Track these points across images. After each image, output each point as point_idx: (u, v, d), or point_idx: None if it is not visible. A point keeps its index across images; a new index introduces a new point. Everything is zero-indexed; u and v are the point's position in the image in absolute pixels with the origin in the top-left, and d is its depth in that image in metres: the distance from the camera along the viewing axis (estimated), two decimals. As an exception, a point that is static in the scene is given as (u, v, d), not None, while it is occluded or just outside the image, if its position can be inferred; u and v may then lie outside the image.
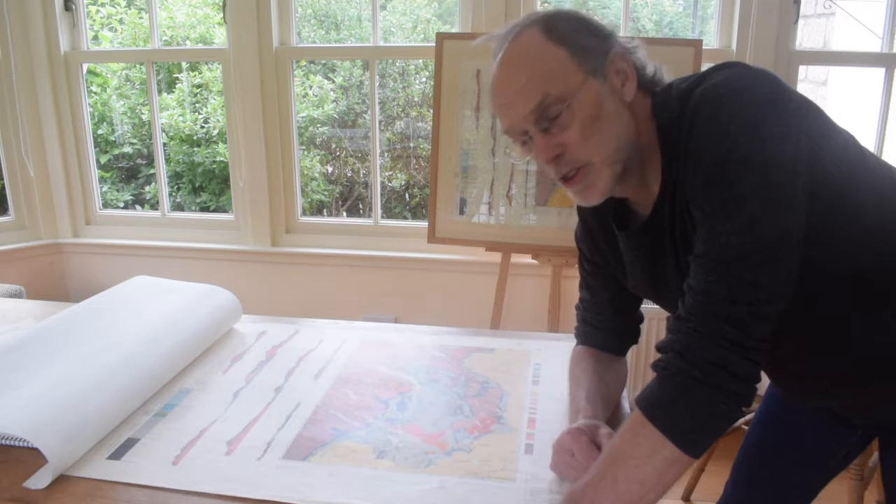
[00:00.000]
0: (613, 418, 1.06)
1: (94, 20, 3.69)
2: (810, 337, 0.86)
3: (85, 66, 2.74)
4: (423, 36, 3.67)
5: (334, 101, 3.69)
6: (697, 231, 0.79)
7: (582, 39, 0.83)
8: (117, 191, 3.82)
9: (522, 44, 0.83)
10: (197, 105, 3.78)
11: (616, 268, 1.02)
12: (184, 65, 3.80)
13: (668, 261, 0.89)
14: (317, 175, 3.67)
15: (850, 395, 0.94)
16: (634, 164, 0.87)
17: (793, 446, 1.13)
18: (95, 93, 3.77)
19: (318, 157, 3.72)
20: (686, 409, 0.76)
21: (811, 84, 3.05)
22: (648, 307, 1.08)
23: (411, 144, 3.73)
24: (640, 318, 1.10)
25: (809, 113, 0.81)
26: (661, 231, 0.88)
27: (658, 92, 0.88)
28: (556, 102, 0.80)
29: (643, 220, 0.90)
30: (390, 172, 3.70)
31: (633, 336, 1.10)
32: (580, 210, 1.04)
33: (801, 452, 1.12)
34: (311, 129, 3.65)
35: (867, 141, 0.83)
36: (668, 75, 0.90)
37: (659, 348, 0.81)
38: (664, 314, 0.92)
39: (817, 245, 0.78)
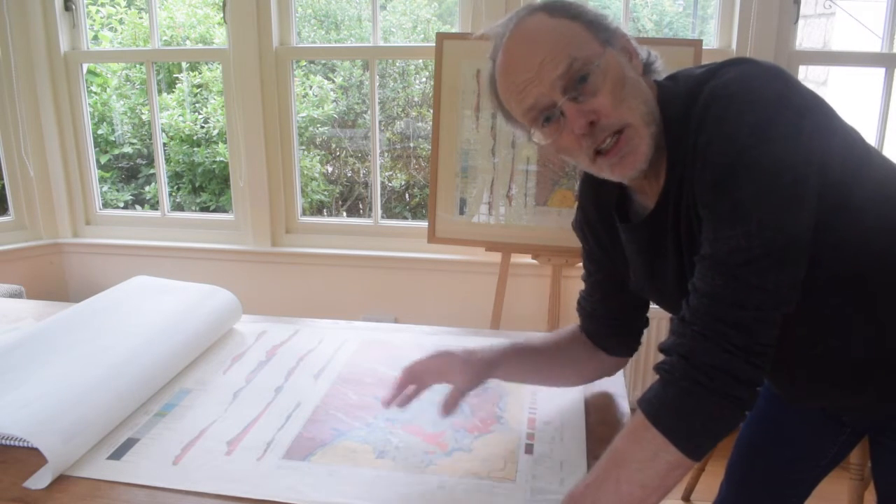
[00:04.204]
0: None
1: (94, 20, 3.68)
2: (809, 336, 0.86)
3: (85, 66, 2.74)
4: (423, 36, 3.67)
5: (334, 101, 3.68)
6: (703, 231, 0.77)
7: (589, 16, 0.84)
8: (117, 191, 3.81)
9: (533, 24, 0.83)
10: (197, 105, 3.78)
11: (618, 261, 1.00)
12: (184, 65, 3.80)
13: (669, 256, 0.88)
14: (317, 175, 3.67)
15: (848, 395, 0.93)
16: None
17: (782, 445, 1.12)
18: (95, 93, 3.77)
19: (318, 157, 3.72)
20: (690, 414, 0.75)
21: (811, 84, 3.04)
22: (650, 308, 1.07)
23: (411, 144, 3.73)
24: (640, 322, 1.07)
25: (818, 110, 0.80)
26: (664, 226, 0.86)
27: (663, 83, 0.87)
28: (584, 65, 0.79)
29: (645, 214, 0.89)
30: (390, 172, 3.70)
31: (616, 328, 1.06)
32: (581, 201, 1.02)
33: (791, 451, 1.12)
34: (311, 129, 3.65)
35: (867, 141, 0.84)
36: (666, 72, 0.90)
37: (663, 350, 0.79)
38: (665, 315, 0.91)
39: (820, 244, 0.77)
